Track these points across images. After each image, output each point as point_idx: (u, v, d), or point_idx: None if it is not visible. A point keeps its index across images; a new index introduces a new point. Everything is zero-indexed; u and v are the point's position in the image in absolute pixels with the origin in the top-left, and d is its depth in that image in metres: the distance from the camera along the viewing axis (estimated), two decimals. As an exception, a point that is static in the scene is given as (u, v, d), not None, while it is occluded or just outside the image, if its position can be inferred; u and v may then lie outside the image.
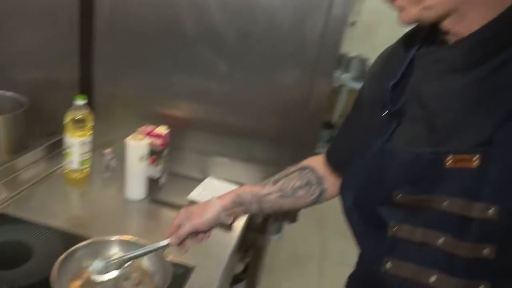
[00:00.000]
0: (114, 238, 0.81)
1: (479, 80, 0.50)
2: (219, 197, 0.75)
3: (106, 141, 1.21)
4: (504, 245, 0.47)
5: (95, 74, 1.21)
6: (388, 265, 0.56)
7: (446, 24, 0.52)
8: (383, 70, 0.66)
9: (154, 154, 1.10)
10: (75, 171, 1.10)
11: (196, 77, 1.15)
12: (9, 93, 1.19)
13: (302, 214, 1.18)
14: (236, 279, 1.44)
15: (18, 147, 1.15)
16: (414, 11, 0.51)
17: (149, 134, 1.09)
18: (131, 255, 0.73)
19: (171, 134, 1.14)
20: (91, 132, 1.10)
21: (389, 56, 0.66)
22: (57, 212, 0.97)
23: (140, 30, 1.13)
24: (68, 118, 1.06)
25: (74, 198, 1.10)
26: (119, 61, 1.19)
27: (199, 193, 1.12)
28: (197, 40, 1.10)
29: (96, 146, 1.16)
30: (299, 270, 2.18)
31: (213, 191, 1.04)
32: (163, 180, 1.16)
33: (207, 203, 0.75)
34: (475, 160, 0.47)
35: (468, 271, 0.50)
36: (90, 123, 1.09)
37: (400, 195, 0.54)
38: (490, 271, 0.49)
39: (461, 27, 0.51)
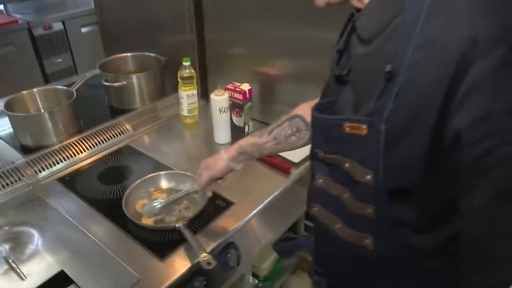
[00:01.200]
0: (177, 171, 1.11)
1: (373, 51, 0.53)
2: (226, 150, 0.90)
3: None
4: (380, 207, 0.54)
5: (206, 37, 1.47)
6: (314, 209, 0.66)
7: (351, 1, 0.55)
8: (340, 34, 0.66)
9: (237, 107, 1.31)
10: (185, 117, 1.43)
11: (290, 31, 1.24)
12: (152, 54, 1.59)
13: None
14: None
15: (158, 95, 1.56)
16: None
17: (233, 90, 1.30)
18: (171, 199, 0.98)
19: (262, 88, 1.32)
20: (196, 86, 1.39)
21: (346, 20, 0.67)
22: (162, 148, 1.32)
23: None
24: (178, 76, 1.37)
25: (179, 139, 1.42)
26: (224, 27, 1.40)
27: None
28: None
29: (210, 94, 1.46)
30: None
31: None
32: (248, 129, 1.37)
33: (217, 156, 0.91)
34: (364, 129, 0.51)
35: (358, 225, 0.58)
36: (194, 80, 1.38)
37: (321, 152, 0.61)
38: (373, 227, 0.56)
39: (359, 3, 0.54)
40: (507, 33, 0.41)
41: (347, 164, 0.56)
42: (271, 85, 1.37)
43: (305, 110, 0.85)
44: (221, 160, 0.90)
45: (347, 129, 0.54)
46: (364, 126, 0.51)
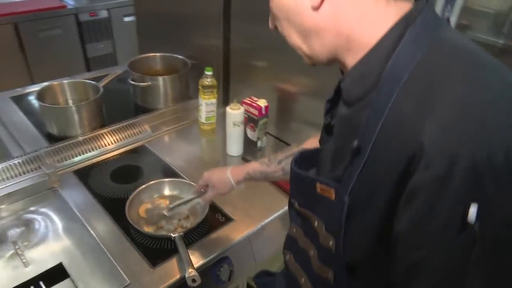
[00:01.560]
0: (181, 180, 1.15)
1: (348, 117, 0.53)
2: (233, 173, 0.93)
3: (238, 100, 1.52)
4: (339, 275, 0.54)
5: (232, 45, 1.49)
6: (286, 257, 0.68)
7: (340, 63, 0.55)
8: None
9: (252, 121, 1.33)
10: (203, 123, 1.47)
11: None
12: (180, 56, 1.63)
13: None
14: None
15: (182, 98, 1.60)
16: (307, 60, 0.57)
17: (249, 104, 1.32)
18: (176, 204, 1.04)
19: (280, 104, 1.33)
20: (215, 95, 1.42)
21: None
22: (176, 151, 1.36)
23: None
24: (199, 84, 1.40)
25: (194, 144, 1.45)
26: (249, 38, 1.42)
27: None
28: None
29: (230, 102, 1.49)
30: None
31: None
32: (261, 143, 1.39)
33: (223, 175, 0.94)
34: (333, 193, 0.52)
35: (318, 285, 0.58)
36: (215, 89, 1.41)
37: (296, 203, 0.63)
38: None
39: (344, 68, 0.54)
40: (457, 148, 0.39)
41: (316, 223, 0.56)
42: (290, 101, 1.38)
43: (313, 144, 0.85)
44: (227, 183, 0.93)
45: (319, 189, 0.54)
46: (333, 191, 0.51)
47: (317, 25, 0.51)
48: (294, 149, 0.89)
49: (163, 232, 1.02)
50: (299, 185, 0.61)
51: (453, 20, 1.05)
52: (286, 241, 0.71)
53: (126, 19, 2.98)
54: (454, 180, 0.39)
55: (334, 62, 0.54)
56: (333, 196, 0.51)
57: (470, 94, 0.41)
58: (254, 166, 0.91)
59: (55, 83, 1.43)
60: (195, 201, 1.03)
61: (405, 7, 0.48)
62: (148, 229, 1.02)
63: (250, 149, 1.38)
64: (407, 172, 0.42)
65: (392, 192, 0.44)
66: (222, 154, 1.38)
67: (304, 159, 0.63)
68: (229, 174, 0.93)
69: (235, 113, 1.27)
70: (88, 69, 2.96)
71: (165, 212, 1.05)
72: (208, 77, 1.38)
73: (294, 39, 0.55)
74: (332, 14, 0.49)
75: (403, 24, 0.47)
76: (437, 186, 0.40)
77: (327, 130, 0.62)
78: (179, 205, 1.04)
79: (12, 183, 1.12)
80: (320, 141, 0.68)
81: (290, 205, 0.66)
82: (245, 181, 0.93)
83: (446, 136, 0.40)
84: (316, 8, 0.49)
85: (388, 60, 0.46)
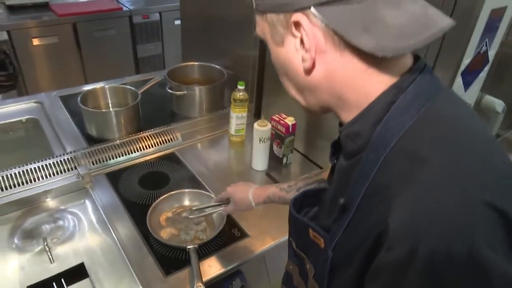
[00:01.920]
0: (201, 192, 1.19)
1: (345, 169, 0.54)
2: (254, 194, 0.96)
3: (269, 114, 1.53)
4: None
5: (267, 58, 1.50)
6: None
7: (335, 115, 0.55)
8: None
9: (278, 138, 1.34)
10: (232, 135, 1.49)
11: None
12: (217, 66, 1.67)
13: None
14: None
15: (216, 107, 1.64)
16: (304, 108, 0.59)
17: (277, 121, 1.32)
18: (199, 207, 1.10)
19: (309, 121, 1.34)
20: (246, 109, 1.44)
21: None
22: (203, 161, 1.40)
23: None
24: (232, 96, 1.43)
25: (222, 155, 1.49)
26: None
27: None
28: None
29: (262, 115, 1.50)
30: None
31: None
32: (286, 160, 1.39)
33: (245, 194, 0.97)
34: (322, 242, 0.54)
35: None
36: (246, 103, 1.43)
37: (293, 243, 0.64)
38: None
39: (340, 119, 0.55)
40: (418, 239, 0.39)
41: (308, 266, 0.58)
42: (319, 119, 1.37)
43: None
44: (247, 203, 0.97)
45: (311, 235, 0.55)
46: (322, 240, 0.52)
47: (310, 85, 0.52)
48: (314, 178, 0.89)
49: (180, 241, 1.06)
50: (295, 226, 0.62)
51: (491, 54, 1.00)
52: (284, 276, 0.72)
53: (177, 22, 3.09)
54: (413, 270, 0.39)
55: (328, 112, 0.55)
56: (322, 245, 0.53)
57: (442, 183, 0.41)
58: (274, 191, 0.93)
59: (98, 87, 1.53)
60: (217, 208, 1.07)
61: (400, 72, 0.48)
62: (165, 234, 1.07)
63: (276, 165, 1.39)
64: (374, 248, 0.43)
65: (364, 261, 0.45)
66: (248, 168, 1.40)
67: (307, 198, 0.64)
68: (251, 196, 0.96)
69: (262, 129, 1.29)
70: (137, 68, 3.10)
71: (187, 214, 1.10)
72: (241, 91, 1.41)
73: (291, 90, 0.58)
74: (324, 75, 0.50)
75: (394, 91, 0.47)
76: (396, 271, 0.40)
77: (332, 171, 0.62)
78: (202, 209, 1.09)
79: (50, 181, 1.21)
80: (328, 179, 0.68)
81: (289, 242, 0.67)
82: (264, 204, 0.95)
83: (409, 224, 0.40)
84: (308, 73, 0.51)
85: (377, 126, 0.47)
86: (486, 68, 1.04)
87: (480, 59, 0.98)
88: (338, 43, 0.47)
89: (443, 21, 0.45)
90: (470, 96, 1.05)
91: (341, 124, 0.54)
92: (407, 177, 0.42)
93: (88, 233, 1.09)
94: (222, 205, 1.06)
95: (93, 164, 1.30)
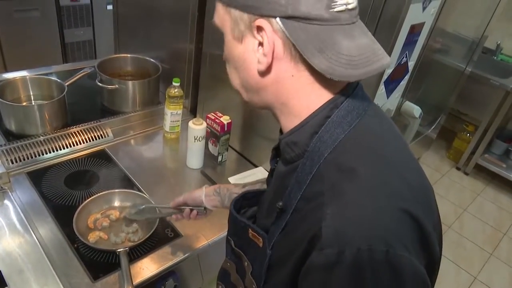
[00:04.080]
0: (132, 191, 1.15)
1: (282, 175, 0.57)
2: (208, 186, 0.95)
3: (205, 110, 1.52)
4: None
5: (204, 51, 1.47)
6: (219, 287, 0.71)
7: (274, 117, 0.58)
8: None
9: (214, 136, 1.34)
10: (167, 132, 1.47)
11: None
12: (152, 59, 1.62)
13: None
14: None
15: (150, 102, 1.60)
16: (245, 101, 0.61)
17: (213, 120, 1.32)
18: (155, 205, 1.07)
19: (245, 119, 1.34)
20: (181, 106, 1.42)
21: None
22: (135, 159, 1.36)
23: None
24: (166, 93, 1.40)
25: (156, 153, 1.45)
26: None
27: (238, 178, 1.31)
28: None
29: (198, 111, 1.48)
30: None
31: (250, 179, 1.21)
32: (221, 158, 1.40)
33: (197, 190, 0.96)
34: (261, 242, 0.56)
35: None
36: (181, 100, 1.41)
37: (232, 242, 0.66)
38: None
39: (278, 122, 0.58)
40: (346, 242, 0.44)
41: (246, 263, 0.59)
42: (256, 118, 1.39)
43: None
44: (200, 191, 0.94)
45: (250, 234, 0.58)
46: (261, 239, 0.55)
47: (259, 85, 0.55)
48: (259, 180, 0.92)
49: (109, 244, 1.03)
50: (234, 226, 0.65)
51: (411, 64, 1.08)
52: (220, 273, 0.74)
53: (110, 7, 2.93)
54: (339, 268, 0.43)
55: (267, 110, 0.59)
56: (261, 244, 0.56)
57: (366, 194, 0.46)
58: (225, 184, 0.95)
59: (18, 78, 1.41)
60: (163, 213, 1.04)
61: (338, 89, 0.53)
62: (93, 237, 1.02)
63: (211, 163, 1.39)
64: (307, 249, 0.46)
65: (298, 260, 0.48)
66: (183, 166, 1.38)
67: (247, 199, 0.68)
68: (204, 186, 0.96)
69: (197, 128, 1.28)
70: (65, 54, 2.90)
71: (127, 215, 1.07)
72: (176, 88, 1.38)
73: (236, 83, 0.60)
74: (274, 81, 0.53)
75: (330, 106, 0.52)
76: (325, 270, 0.44)
77: (271, 174, 0.65)
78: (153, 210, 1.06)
79: (-40, 181, 1.10)
80: (267, 182, 0.71)
81: (227, 241, 0.69)
82: (213, 195, 0.93)
83: (339, 231, 0.45)
84: (261, 75, 0.54)
85: (314, 137, 0.51)
86: (406, 77, 1.13)
87: (401, 69, 1.06)
88: (294, 55, 0.50)
89: (384, 59, 0.51)
90: (392, 102, 1.14)
91: (281, 131, 0.58)
92: (337, 186, 0.47)
93: (5, 238, 1.01)
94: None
95: (12, 163, 1.21)
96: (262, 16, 0.49)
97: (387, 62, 0.51)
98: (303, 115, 0.53)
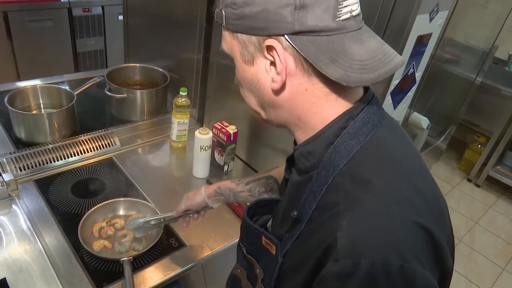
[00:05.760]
0: (137, 200, 1.15)
1: (297, 184, 0.58)
2: (206, 187, 0.95)
3: (212, 119, 1.52)
4: None
5: (211, 60, 1.48)
6: None
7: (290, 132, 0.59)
8: None
9: (220, 146, 1.34)
10: (174, 141, 1.47)
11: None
12: (160, 69, 1.64)
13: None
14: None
15: (158, 112, 1.61)
16: (264, 120, 0.61)
17: (219, 129, 1.33)
18: (154, 218, 1.04)
19: (252, 129, 1.35)
20: (188, 115, 1.43)
21: None
22: (142, 168, 1.37)
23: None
24: (173, 102, 1.41)
25: (162, 162, 1.46)
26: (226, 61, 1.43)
27: (244, 189, 1.31)
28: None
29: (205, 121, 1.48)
30: None
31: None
32: (227, 168, 1.40)
33: (198, 190, 0.95)
34: (274, 249, 0.57)
35: None
36: (188, 109, 1.42)
37: (244, 248, 0.67)
38: None
39: (294, 136, 0.59)
40: (361, 254, 0.44)
41: (258, 270, 0.60)
42: (262, 128, 1.39)
43: (280, 174, 0.89)
44: (200, 195, 0.94)
45: (264, 242, 0.59)
46: (274, 247, 0.56)
47: (275, 103, 0.56)
48: (262, 176, 0.92)
49: (113, 252, 1.03)
50: (247, 233, 0.65)
51: (418, 75, 1.07)
52: (229, 279, 0.74)
53: (121, 17, 2.97)
54: (354, 279, 0.44)
55: (284, 127, 0.59)
56: (274, 252, 0.56)
57: (380, 206, 0.47)
58: (225, 183, 0.94)
59: (28, 86, 1.43)
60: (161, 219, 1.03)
61: (353, 100, 0.54)
62: (98, 245, 1.03)
63: (217, 172, 1.39)
64: (321, 259, 0.47)
65: (312, 269, 0.48)
66: (189, 175, 1.38)
67: (260, 207, 0.68)
68: (203, 188, 0.95)
69: (203, 137, 1.28)
70: (77, 63, 2.94)
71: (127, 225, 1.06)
72: (183, 97, 1.39)
73: (253, 104, 0.60)
74: (289, 97, 0.54)
75: (346, 118, 0.52)
76: (339, 281, 0.45)
77: (286, 184, 0.66)
78: (153, 221, 1.04)
79: (-31, 188, 1.12)
80: (280, 191, 0.71)
81: (239, 247, 0.69)
82: (215, 196, 0.93)
83: (354, 242, 0.45)
84: (276, 93, 0.54)
85: (329, 148, 0.52)
86: (414, 88, 1.12)
87: (408, 80, 1.05)
88: (306, 69, 0.51)
89: (397, 58, 0.51)
90: (399, 113, 1.13)
91: (295, 142, 0.58)
92: (352, 197, 0.48)
93: (11, 245, 1.02)
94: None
95: (21, 170, 1.22)
96: (271, 36, 0.50)
97: (400, 61, 0.51)
98: (318, 127, 0.54)
